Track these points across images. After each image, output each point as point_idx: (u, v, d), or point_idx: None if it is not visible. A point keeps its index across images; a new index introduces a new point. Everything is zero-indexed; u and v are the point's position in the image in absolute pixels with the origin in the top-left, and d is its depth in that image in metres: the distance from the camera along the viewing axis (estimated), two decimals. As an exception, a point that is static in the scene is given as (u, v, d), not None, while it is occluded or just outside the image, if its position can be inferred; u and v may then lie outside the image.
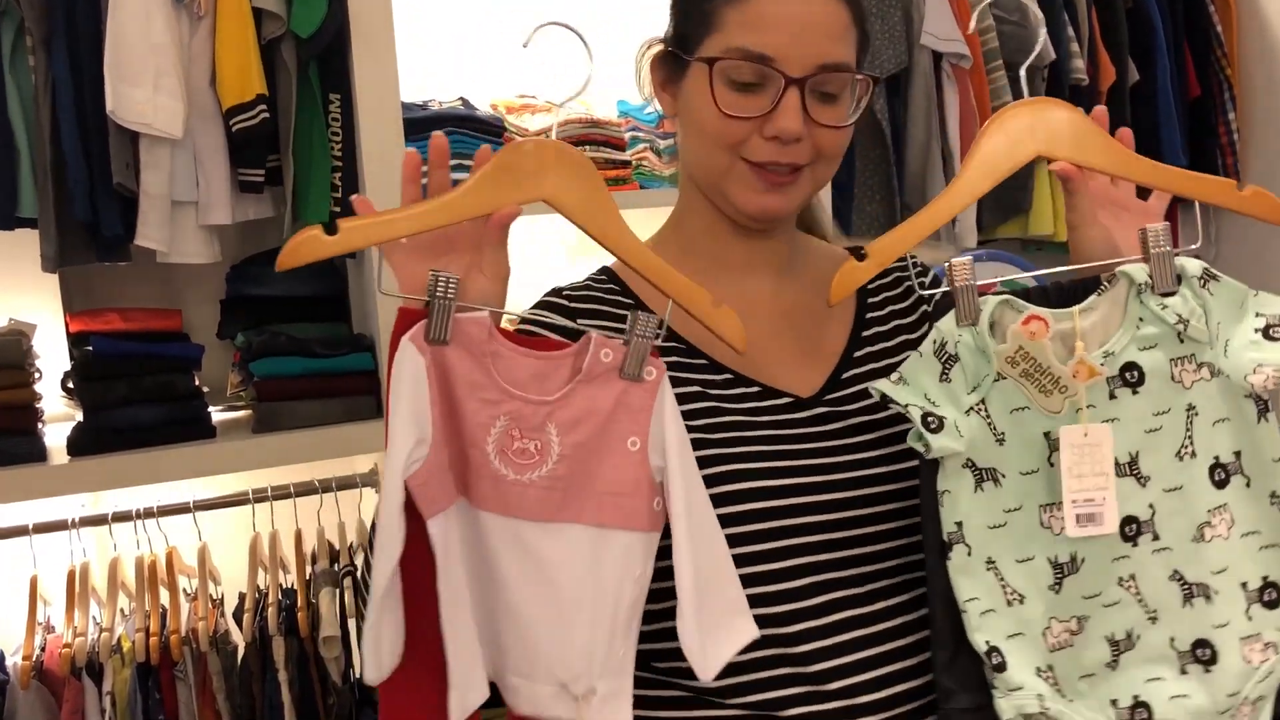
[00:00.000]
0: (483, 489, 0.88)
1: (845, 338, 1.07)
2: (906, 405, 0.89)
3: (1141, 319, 0.91)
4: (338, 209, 1.84)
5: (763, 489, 0.95)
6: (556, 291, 1.07)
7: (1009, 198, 2.39)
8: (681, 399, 0.92)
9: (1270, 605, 0.90)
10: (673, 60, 1.03)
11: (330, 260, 1.97)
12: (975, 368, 0.90)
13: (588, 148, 2.04)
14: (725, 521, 0.91)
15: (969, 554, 0.90)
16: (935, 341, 0.91)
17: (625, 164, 2.06)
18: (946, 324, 0.91)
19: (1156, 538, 0.90)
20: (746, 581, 0.91)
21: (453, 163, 1.92)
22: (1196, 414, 0.91)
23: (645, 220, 1.13)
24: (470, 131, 1.98)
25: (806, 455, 0.98)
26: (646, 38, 1.10)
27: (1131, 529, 0.91)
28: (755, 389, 1.01)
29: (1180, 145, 2.48)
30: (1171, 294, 0.91)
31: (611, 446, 0.88)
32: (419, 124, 1.93)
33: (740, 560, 0.91)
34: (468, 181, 0.88)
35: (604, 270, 1.10)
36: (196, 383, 1.80)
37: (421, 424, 0.85)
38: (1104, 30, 2.46)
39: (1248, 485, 0.91)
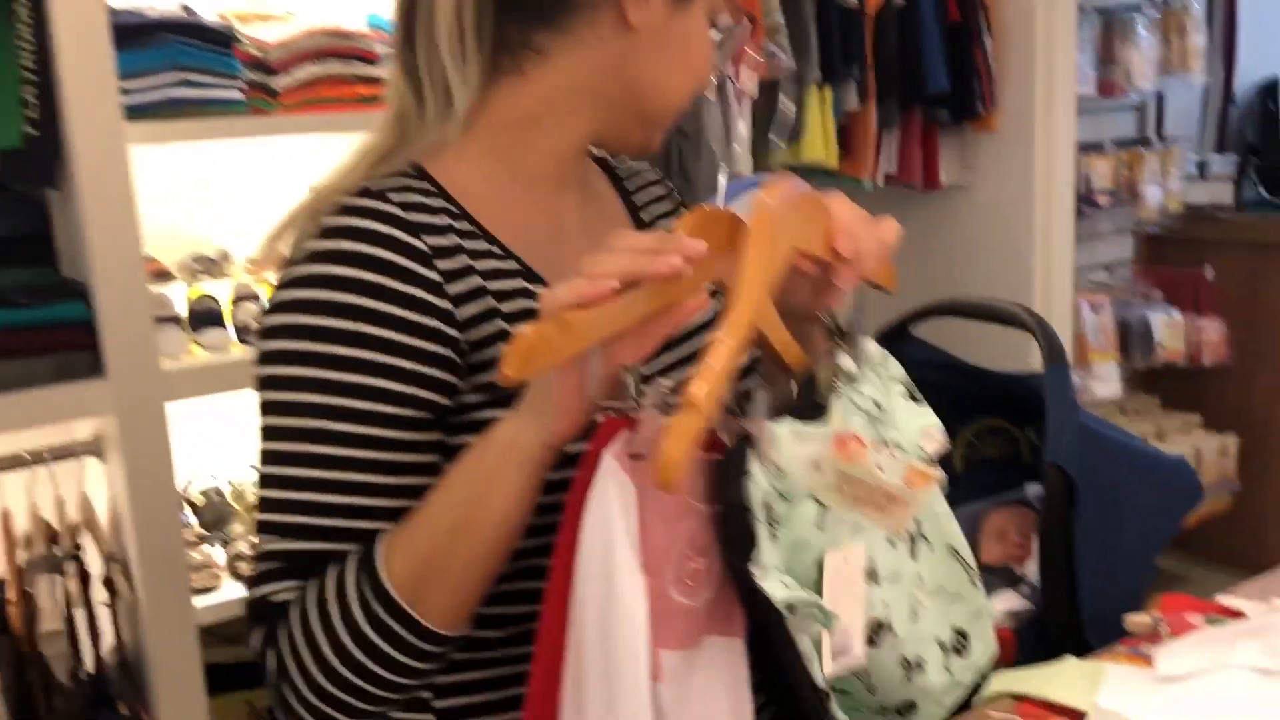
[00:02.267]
0: (674, 625, 0.74)
1: None
2: (803, 607, 0.76)
3: (849, 412, 0.84)
4: (35, 131, 1.55)
5: None
6: (376, 194, 0.84)
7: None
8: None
9: (959, 651, 0.89)
10: None
11: (28, 194, 1.71)
12: (778, 510, 0.79)
13: (334, 61, 1.82)
14: None
15: None
16: (762, 502, 0.77)
17: (377, 80, 1.86)
18: (760, 475, 0.77)
19: (892, 632, 0.85)
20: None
21: (178, 78, 1.73)
22: None
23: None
24: (195, 42, 1.73)
25: None
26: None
27: (876, 633, 0.84)
28: None
29: (943, 69, 2.50)
30: (858, 379, 0.85)
31: None
32: (131, 31, 1.67)
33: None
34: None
35: (418, 172, 0.88)
36: None
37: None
38: (869, -47, 2.43)
39: (930, 547, 0.89)
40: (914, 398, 0.88)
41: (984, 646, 0.91)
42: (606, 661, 0.70)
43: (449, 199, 0.88)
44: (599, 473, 0.71)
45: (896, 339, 1.55)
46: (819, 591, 0.78)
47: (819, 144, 2.39)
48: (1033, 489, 1.56)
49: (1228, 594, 1.07)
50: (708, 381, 0.71)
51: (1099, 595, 1.30)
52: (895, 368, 0.89)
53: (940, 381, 1.57)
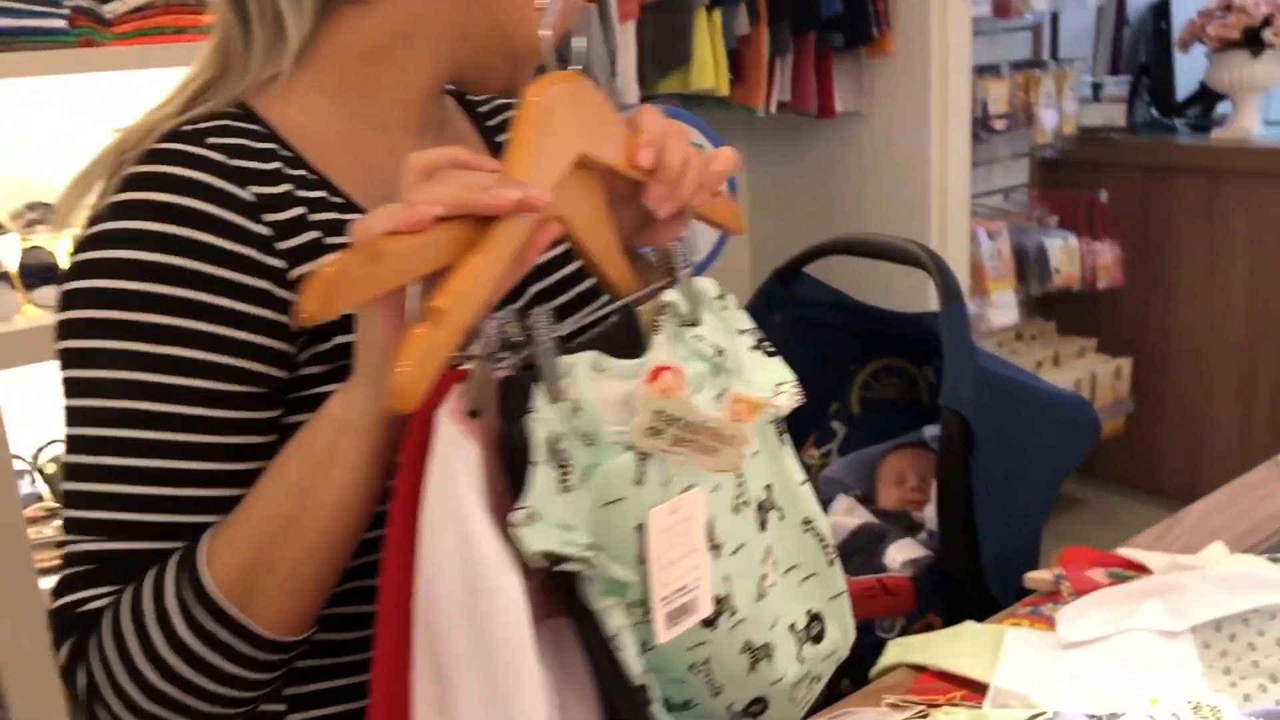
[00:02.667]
0: None
1: None
2: (566, 558, 0.63)
3: (684, 357, 0.73)
4: None
5: None
6: (191, 136, 0.73)
7: (669, 49, 2.23)
8: None
9: (816, 639, 0.81)
10: None
11: None
12: (581, 459, 0.67)
13: (169, -14, 1.67)
14: None
15: None
16: (547, 442, 0.64)
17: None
18: (547, 411, 0.64)
19: (734, 613, 0.74)
20: None
21: (13, 4, 1.55)
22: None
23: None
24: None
25: None
26: None
27: (713, 611, 0.73)
28: None
29: (836, -10, 2.42)
30: (696, 323, 0.75)
31: None
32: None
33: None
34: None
35: (243, 111, 0.78)
36: None
37: None
38: None
39: (781, 518, 0.79)
40: (763, 350, 0.79)
41: (841, 633, 0.84)
42: (480, 649, 0.61)
43: (280, 142, 0.77)
44: (436, 437, 0.62)
45: (790, 278, 1.48)
46: (641, 564, 0.68)
47: (709, 70, 2.29)
48: (930, 430, 1.51)
49: (1129, 545, 1.02)
50: (453, 287, 0.61)
51: (998, 539, 1.27)
52: (741, 318, 0.79)
53: (836, 321, 1.51)
